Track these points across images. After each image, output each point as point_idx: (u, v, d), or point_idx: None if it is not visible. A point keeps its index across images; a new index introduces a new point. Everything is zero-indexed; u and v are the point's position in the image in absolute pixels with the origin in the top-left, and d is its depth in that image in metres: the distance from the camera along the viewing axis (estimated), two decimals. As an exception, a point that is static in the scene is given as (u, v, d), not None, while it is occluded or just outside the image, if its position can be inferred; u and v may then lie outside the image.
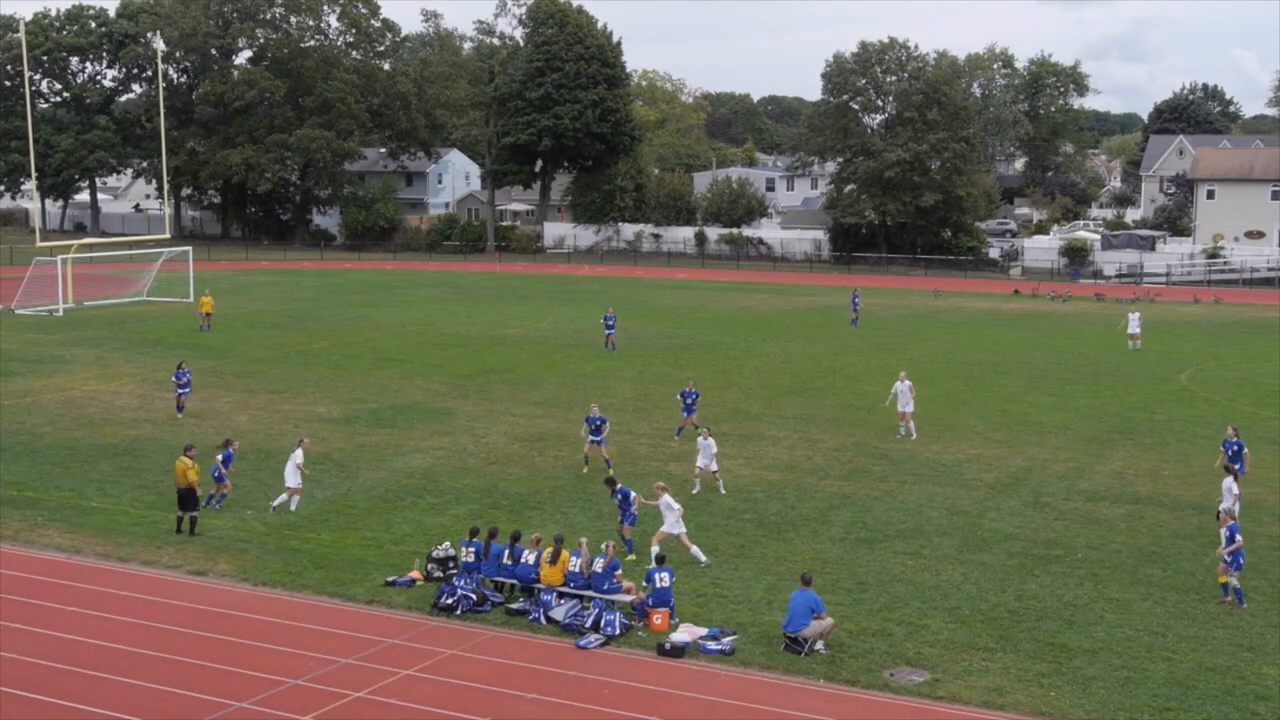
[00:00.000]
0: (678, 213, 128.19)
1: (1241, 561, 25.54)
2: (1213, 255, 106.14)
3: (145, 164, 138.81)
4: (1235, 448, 33.40)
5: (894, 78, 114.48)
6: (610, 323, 60.88)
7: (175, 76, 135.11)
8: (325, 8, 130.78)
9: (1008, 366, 56.34)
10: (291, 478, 31.87)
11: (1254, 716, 20.33)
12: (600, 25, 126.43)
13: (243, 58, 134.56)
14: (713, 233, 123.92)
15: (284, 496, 31.99)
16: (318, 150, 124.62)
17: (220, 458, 31.91)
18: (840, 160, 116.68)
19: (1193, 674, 21.91)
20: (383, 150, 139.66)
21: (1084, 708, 20.57)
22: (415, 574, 26.49)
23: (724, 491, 33.28)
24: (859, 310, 72.42)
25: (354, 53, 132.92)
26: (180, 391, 43.30)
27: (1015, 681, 21.55)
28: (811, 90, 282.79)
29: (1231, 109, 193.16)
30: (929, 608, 25.06)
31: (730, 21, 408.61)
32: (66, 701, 20.58)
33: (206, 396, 46.79)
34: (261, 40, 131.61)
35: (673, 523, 28.00)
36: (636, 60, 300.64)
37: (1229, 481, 29.75)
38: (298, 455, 32.14)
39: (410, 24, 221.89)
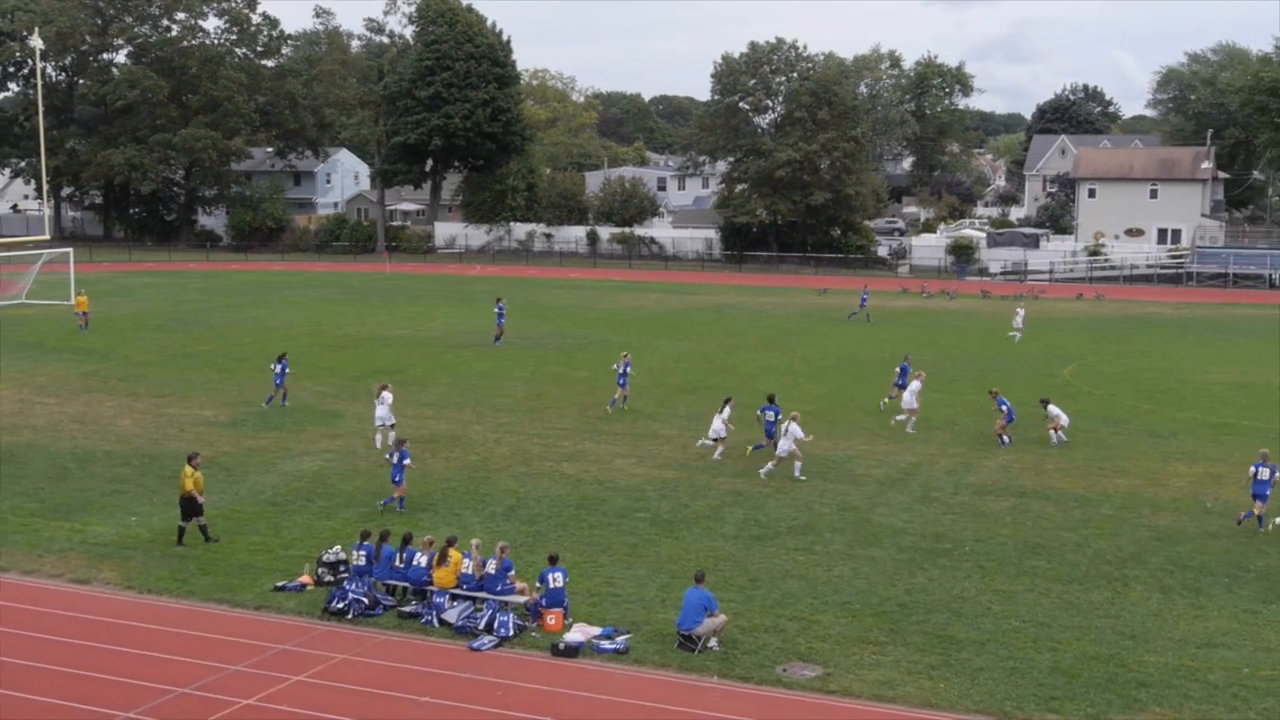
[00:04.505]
0: (569, 212, 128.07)
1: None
2: (1094, 253, 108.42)
3: (23, 164, 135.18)
4: (1002, 404, 40.38)
5: (783, 78, 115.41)
6: (500, 311, 62.15)
7: (54, 75, 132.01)
8: (204, 6, 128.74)
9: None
10: (389, 417, 38.10)
11: (1136, 703, 20.78)
12: (490, 24, 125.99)
13: (123, 55, 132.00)
14: (605, 232, 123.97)
15: (378, 437, 37.98)
16: (203, 150, 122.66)
17: (396, 458, 32.01)
18: (731, 160, 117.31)
19: (1077, 663, 22.34)
20: (270, 150, 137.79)
21: (972, 698, 20.87)
22: (305, 578, 26.16)
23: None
24: (865, 307, 75.01)
25: (239, 50, 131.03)
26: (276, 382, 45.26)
27: (905, 674, 21.82)
28: (702, 90, 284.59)
29: (1111, 109, 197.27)
30: (821, 603, 25.27)
31: (619, 21, 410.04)
32: (-57, 716, 20.03)
33: (88, 401, 45.89)
34: (141, 39, 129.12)
35: (784, 447, 34.81)
36: (527, 59, 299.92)
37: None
38: (388, 397, 38.32)
39: (301, 21, 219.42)
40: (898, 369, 46.86)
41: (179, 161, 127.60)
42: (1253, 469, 31.02)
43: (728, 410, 38.15)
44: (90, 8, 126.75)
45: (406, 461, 31.98)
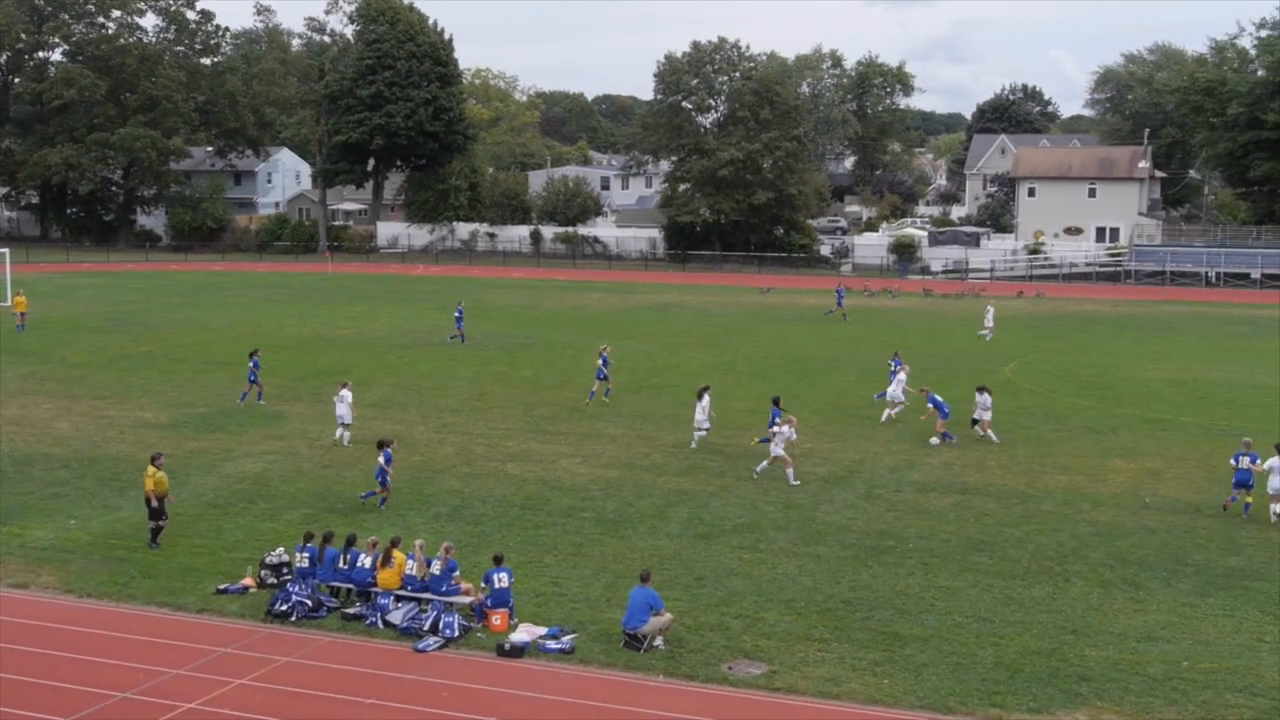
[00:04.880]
0: (513, 211, 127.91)
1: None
2: (1034, 251, 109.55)
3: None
4: (932, 402, 40.42)
5: (726, 77, 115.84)
6: (460, 314, 62.80)
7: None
8: (141, 3, 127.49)
9: (839, 362, 57.35)
10: (348, 415, 38.09)
11: (1077, 696, 20.98)
12: (432, 23, 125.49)
13: (59, 54, 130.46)
14: (548, 231, 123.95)
15: (340, 432, 38.27)
16: (142, 149, 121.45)
17: (382, 459, 31.65)
18: (674, 159, 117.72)
19: (1019, 658, 22.53)
20: (209, 149, 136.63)
21: (916, 694, 21.00)
22: (248, 581, 25.94)
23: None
24: (842, 304, 76.24)
25: (177, 48, 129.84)
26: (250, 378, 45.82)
27: (850, 671, 21.92)
28: (645, 89, 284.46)
29: (1050, 109, 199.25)
30: (766, 600, 25.35)
31: (561, 20, 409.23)
32: (-122, 724, 19.72)
33: (25, 403, 45.29)
34: (78, 37, 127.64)
35: (777, 447, 35.07)
36: (469, 58, 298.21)
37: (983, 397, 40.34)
38: (347, 395, 38.18)
39: (241, 19, 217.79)
40: (891, 362, 47.97)
41: (117, 161, 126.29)
42: (1234, 459, 32.18)
43: (706, 399, 39.02)
44: (25, 5, 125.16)
45: (380, 460, 31.79)
